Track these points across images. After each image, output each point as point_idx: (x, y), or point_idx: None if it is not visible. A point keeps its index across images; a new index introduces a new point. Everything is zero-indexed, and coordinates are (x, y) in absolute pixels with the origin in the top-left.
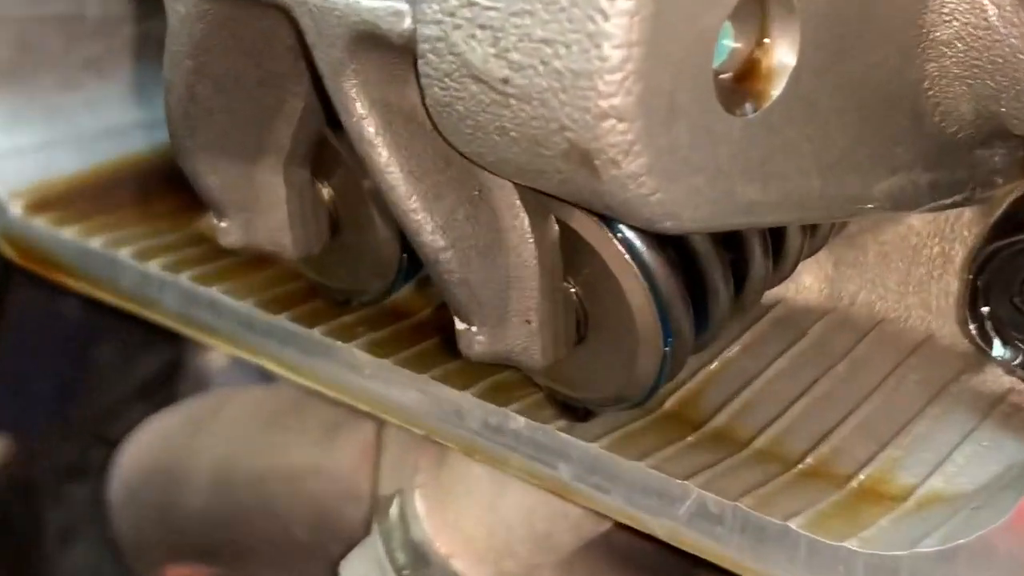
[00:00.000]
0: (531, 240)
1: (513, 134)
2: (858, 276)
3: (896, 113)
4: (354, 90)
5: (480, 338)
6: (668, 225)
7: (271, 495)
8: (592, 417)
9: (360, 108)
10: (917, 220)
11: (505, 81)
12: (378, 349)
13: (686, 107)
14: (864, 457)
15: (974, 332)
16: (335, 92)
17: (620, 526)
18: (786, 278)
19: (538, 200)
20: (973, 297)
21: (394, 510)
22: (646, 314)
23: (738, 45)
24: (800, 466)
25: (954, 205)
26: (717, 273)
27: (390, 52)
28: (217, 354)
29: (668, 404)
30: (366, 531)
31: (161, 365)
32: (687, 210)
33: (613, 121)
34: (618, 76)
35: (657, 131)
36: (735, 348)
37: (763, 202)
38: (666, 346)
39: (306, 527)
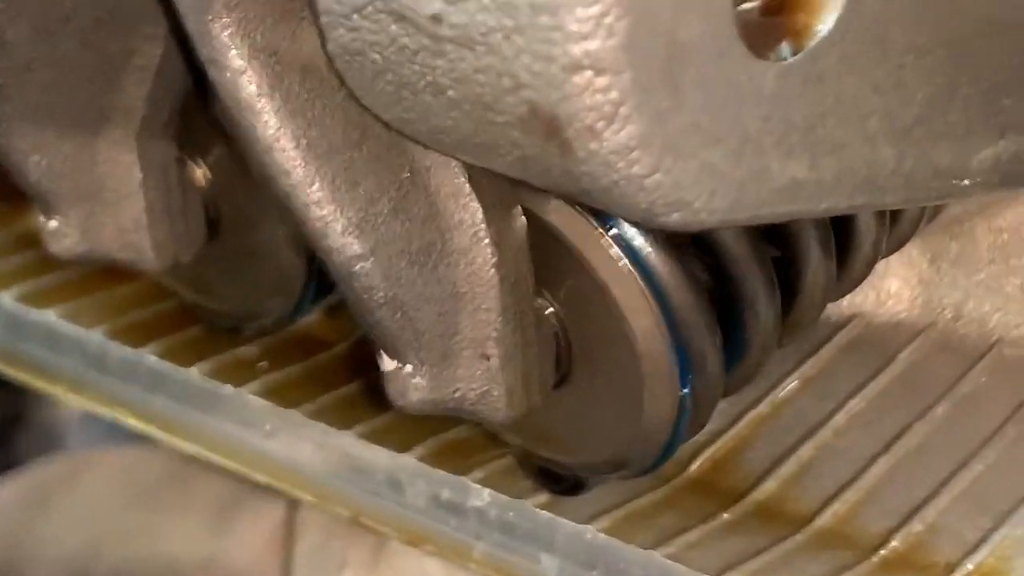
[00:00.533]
0: (487, 241)
1: (451, 94)
2: (964, 278)
3: (1003, 51)
4: (227, 33)
5: (418, 381)
6: (675, 219)
7: None
8: (584, 489)
9: (236, 59)
10: None
11: (437, 19)
12: (282, 395)
13: (694, 50)
14: (973, 538)
15: None
16: (200, 36)
17: None
18: (859, 283)
19: (497, 184)
20: None
21: None
22: (654, 342)
23: None
24: (882, 552)
25: None
26: (756, 280)
27: None
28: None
29: (694, 468)
30: None
31: None
32: (701, 197)
33: (589, 74)
34: (595, 9)
35: (653, 86)
36: (790, 385)
37: (812, 182)
38: (684, 387)
39: None
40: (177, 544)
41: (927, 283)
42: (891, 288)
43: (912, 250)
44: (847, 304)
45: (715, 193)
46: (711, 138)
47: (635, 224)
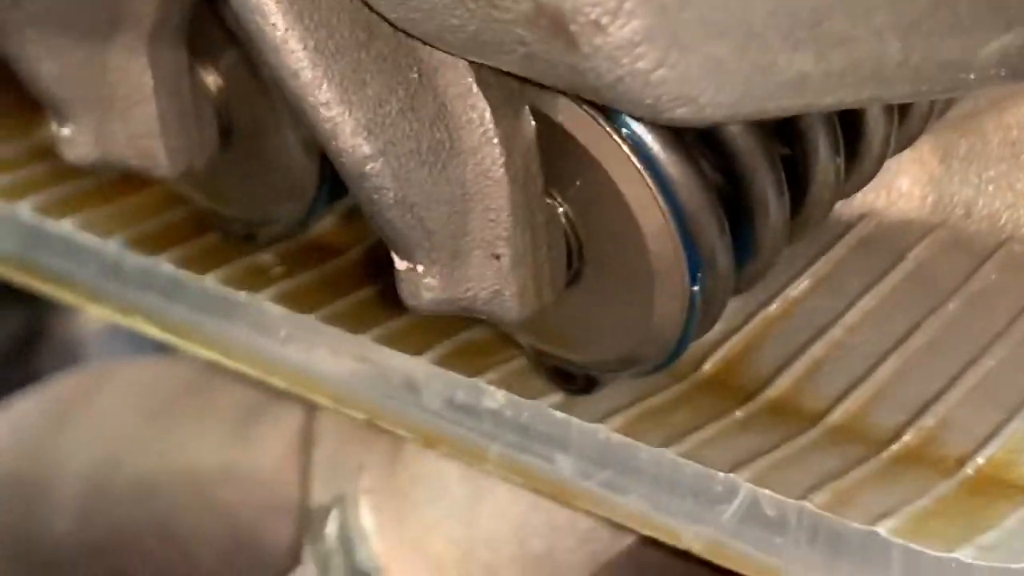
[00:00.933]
0: (496, 140)
1: None
2: (975, 175)
3: None
4: None
5: (430, 282)
6: (681, 113)
7: (166, 509)
8: (597, 388)
9: None
10: None
11: None
12: (297, 301)
13: None
14: (984, 433)
15: None
16: None
17: (645, 540)
18: (868, 181)
19: (505, 83)
20: None
21: (332, 526)
22: (664, 239)
23: None
24: (893, 447)
25: None
26: (766, 178)
27: None
28: (90, 316)
29: (706, 366)
30: (294, 555)
31: (14, 333)
32: (707, 92)
33: None
34: None
35: None
36: (802, 284)
37: (819, 76)
38: (694, 283)
39: (214, 551)
40: (198, 453)
41: (937, 181)
42: (901, 186)
43: (922, 148)
44: (857, 203)
45: (721, 87)
46: (716, 32)
47: (644, 122)
